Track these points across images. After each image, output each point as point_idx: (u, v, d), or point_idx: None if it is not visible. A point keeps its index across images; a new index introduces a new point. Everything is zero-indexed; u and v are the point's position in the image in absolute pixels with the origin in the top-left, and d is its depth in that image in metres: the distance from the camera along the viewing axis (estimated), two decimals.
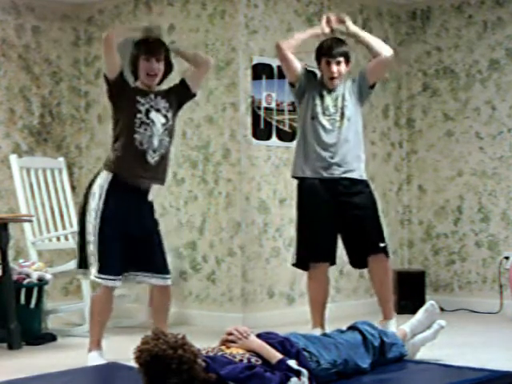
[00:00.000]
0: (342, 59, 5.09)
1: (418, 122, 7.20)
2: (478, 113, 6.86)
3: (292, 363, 3.53)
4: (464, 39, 6.95)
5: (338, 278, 6.51)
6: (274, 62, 6.22)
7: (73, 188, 6.68)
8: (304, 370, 3.53)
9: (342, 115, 5.08)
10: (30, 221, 5.88)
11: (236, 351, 3.60)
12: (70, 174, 6.79)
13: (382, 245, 5.08)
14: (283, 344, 3.71)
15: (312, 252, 5.10)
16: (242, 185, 6.08)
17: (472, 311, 6.71)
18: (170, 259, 4.89)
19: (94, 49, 7.06)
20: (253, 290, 6.11)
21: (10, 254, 5.68)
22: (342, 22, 5.19)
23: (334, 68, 5.07)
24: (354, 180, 5.09)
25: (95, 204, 4.53)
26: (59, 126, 7.04)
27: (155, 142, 4.58)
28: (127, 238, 4.55)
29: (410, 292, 6.70)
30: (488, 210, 6.80)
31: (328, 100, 5.10)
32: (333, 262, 5.19)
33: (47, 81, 6.98)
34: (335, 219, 5.08)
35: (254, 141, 6.15)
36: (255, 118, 6.16)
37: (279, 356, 3.57)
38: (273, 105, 6.25)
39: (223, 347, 3.66)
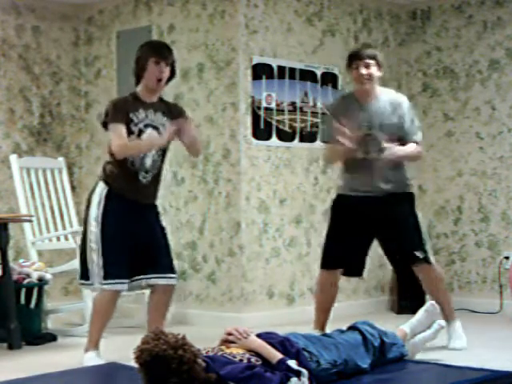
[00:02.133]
0: (371, 62, 4.86)
1: None
2: (478, 113, 6.86)
3: (292, 363, 3.53)
4: (464, 39, 6.95)
5: None
6: (274, 62, 6.22)
7: (73, 188, 6.68)
8: (304, 370, 3.53)
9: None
10: (30, 221, 5.87)
11: (236, 351, 3.60)
12: (70, 174, 6.79)
13: (418, 254, 4.93)
14: (283, 344, 3.71)
15: (324, 258, 5.10)
16: (242, 185, 6.08)
17: (472, 311, 6.71)
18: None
19: (94, 49, 7.06)
20: (253, 290, 6.11)
21: (10, 253, 5.68)
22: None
23: (363, 70, 4.83)
24: (394, 194, 4.95)
25: (95, 213, 4.50)
26: (59, 125, 7.04)
27: (148, 163, 4.53)
28: (131, 243, 4.52)
29: (410, 292, 6.69)
30: (488, 210, 6.80)
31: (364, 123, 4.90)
32: (349, 273, 5.15)
33: (47, 81, 6.98)
34: (366, 231, 4.98)
35: (254, 141, 6.15)
36: (255, 117, 6.15)
37: (279, 356, 3.57)
38: (273, 105, 6.25)
39: (223, 347, 3.66)
